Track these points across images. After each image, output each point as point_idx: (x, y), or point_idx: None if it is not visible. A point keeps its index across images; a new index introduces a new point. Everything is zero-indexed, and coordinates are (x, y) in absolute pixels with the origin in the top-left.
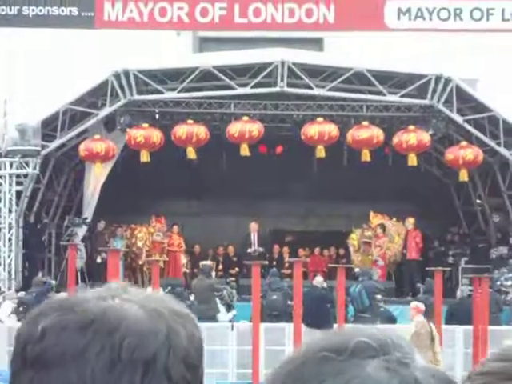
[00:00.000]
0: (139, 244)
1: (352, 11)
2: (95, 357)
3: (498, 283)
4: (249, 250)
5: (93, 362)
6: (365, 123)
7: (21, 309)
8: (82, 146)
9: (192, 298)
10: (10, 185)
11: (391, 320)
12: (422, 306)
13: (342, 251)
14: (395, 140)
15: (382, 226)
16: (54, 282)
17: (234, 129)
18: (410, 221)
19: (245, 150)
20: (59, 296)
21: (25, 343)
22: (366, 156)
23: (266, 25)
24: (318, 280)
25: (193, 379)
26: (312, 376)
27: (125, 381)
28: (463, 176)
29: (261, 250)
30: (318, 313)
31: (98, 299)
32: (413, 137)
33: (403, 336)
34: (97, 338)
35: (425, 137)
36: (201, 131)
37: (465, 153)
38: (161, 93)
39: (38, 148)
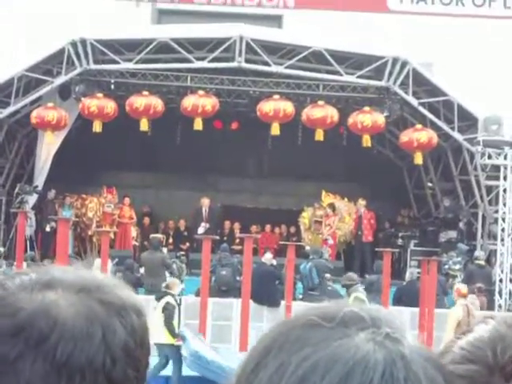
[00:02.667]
0: (90, 214)
1: None
2: (28, 367)
3: (446, 267)
4: (200, 223)
5: (26, 372)
6: (320, 102)
7: None
8: (33, 114)
9: (142, 270)
10: None
11: (339, 298)
12: (463, 289)
13: (292, 229)
14: (350, 120)
15: (332, 206)
16: (2, 249)
17: (188, 102)
18: (361, 202)
19: (198, 125)
20: None
21: None
22: (319, 135)
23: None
24: (267, 257)
25: (137, 373)
26: (297, 340)
27: None
28: (418, 159)
29: (207, 226)
30: (266, 289)
31: (29, 291)
32: (368, 118)
33: (396, 314)
34: (28, 348)
35: (379, 118)
36: (158, 103)
37: (419, 135)
38: (117, 63)
39: None
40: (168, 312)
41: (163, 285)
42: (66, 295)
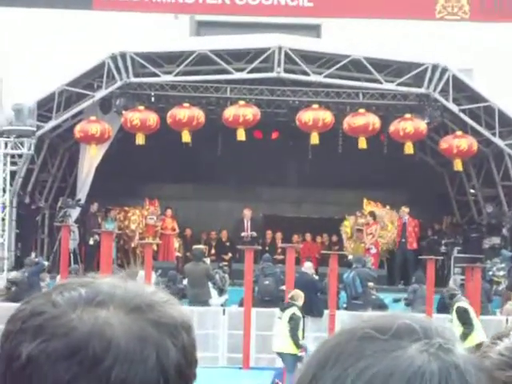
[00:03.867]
0: (132, 227)
1: None
2: None
3: (490, 273)
4: (242, 234)
5: None
6: (361, 110)
7: (13, 289)
8: (77, 128)
9: (185, 282)
10: (5, 165)
11: (383, 308)
12: None
13: (334, 238)
14: (392, 128)
15: (373, 214)
16: (46, 263)
17: (229, 113)
18: (405, 210)
19: (241, 135)
20: (37, 304)
21: (7, 364)
22: (362, 143)
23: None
24: (308, 266)
25: None
26: (353, 352)
27: None
28: (457, 165)
29: (254, 234)
30: (308, 300)
31: (80, 310)
32: (410, 125)
33: (446, 325)
34: (83, 370)
35: (421, 125)
36: (200, 115)
37: (459, 142)
38: (157, 76)
39: (33, 128)
40: (294, 323)
41: (289, 296)
42: (117, 314)
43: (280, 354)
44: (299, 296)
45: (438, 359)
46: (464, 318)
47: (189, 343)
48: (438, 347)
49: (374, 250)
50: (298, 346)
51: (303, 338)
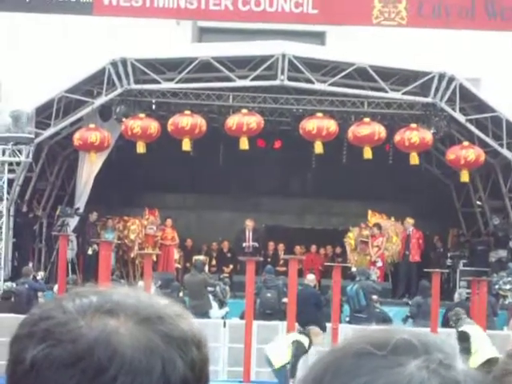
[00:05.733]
0: (132, 237)
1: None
2: None
3: (497, 287)
4: (243, 245)
5: None
6: (366, 120)
7: (13, 299)
8: (76, 135)
9: (181, 293)
10: (2, 172)
11: (387, 321)
12: None
13: (338, 250)
14: (397, 138)
15: (378, 226)
16: (42, 273)
17: (232, 121)
18: (410, 221)
19: (244, 144)
20: (47, 310)
21: (12, 368)
22: (367, 153)
23: (267, 15)
24: (310, 278)
25: None
26: (350, 369)
27: None
28: (464, 177)
29: (256, 245)
30: (311, 313)
31: (88, 318)
32: (415, 135)
33: (445, 338)
34: (86, 379)
35: (427, 135)
36: (203, 123)
37: (466, 153)
38: (158, 83)
39: (32, 136)
40: (296, 351)
41: (306, 329)
42: (127, 324)
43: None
44: (316, 333)
45: (438, 376)
46: (462, 343)
47: (199, 358)
48: (438, 363)
49: (379, 263)
50: (292, 374)
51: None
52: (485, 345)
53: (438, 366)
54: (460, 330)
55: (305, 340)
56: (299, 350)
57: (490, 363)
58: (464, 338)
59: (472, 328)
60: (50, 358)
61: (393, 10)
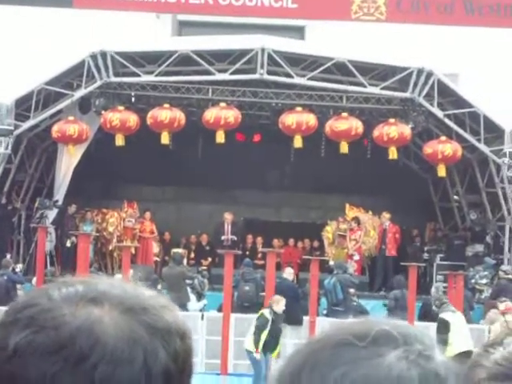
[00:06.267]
0: (110, 229)
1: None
2: None
3: (473, 281)
4: (222, 238)
5: None
6: (344, 114)
7: None
8: (54, 128)
9: (159, 286)
10: None
11: (364, 314)
12: (501, 306)
13: (316, 243)
14: (376, 133)
15: (357, 220)
16: (20, 266)
17: (210, 115)
18: (386, 216)
19: (220, 137)
20: (33, 297)
21: None
22: (344, 148)
23: (247, 9)
24: (288, 272)
25: None
26: (330, 359)
27: None
28: (441, 171)
29: (234, 238)
30: (288, 307)
31: (72, 306)
32: (394, 130)
33: (425, 330)
34: (67, 366)
35: (406, 130)
36: (182, 116)
37: (444, 147)
38: (138, 76)
39: (11, 128)
40: (259, 322)
41: (262, 298)
42: (111, 313)
43: (246, 351)
44: (276, 300)
45: (418, 366)
46: (441, 330)
47: (182, 349)
48: (417, 354)
49: (357, 257)
50: (255, 344)
51: (271, 342)
52: (462, 336)
53: (417, 356)
54: (441, 316)
55: (266, 311)
56: (262, 321)
57: (464, 355)
58: (443, 326)
59: (453, 316)
60: (32, 344)
61: (372, 5)
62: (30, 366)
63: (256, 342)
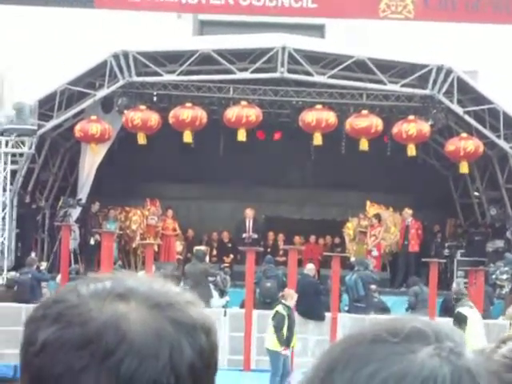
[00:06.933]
0: (133, 227)
1: None
2: (91, 381)
3: (494, 277)
4: (243, 236)
5: None
6: (364, 112)
7: (14, 288)
8: (77, 127)
9: (182, 283)
10: (5, 163)
11: (385, 310)
12: None
13: (337, 240)
14: (395, 130)
15: (378, 216)
16: (45, 264)
17: (231, 113)
18: (408, 212)
19: (242, 135)
20: (62, 293)
21: (25, 349)
22: (364, 145)
23: (267, 9)
24: (310, 268)
25: None
26: (364, 355)
27: None
28: (463, 168)
29: (255, 236)
30: (310, 303)
31: (100, 302)
32: (413, 127)
33: (456, 328)
34: (94, 361)
35: (425, 127)
36: (203, 115)
37: (466, 144)
38: (159, 75)
39: (35, 127)
40: (276, 320)
41: (280, 294)
42: (138, 309)
43: (267, 351)
44: (289, 295)
45: (450, 363)
46: (458, 324)
47: (207, 346)
48: (449, 351)
49: (375, 253)
50: (280, 343)
51: (290, 337)
52: (476, 333)
53: (448, 353)
54: (458, 310)
55: (280, 308)
56: (279, 319)
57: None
58: (460, 320)
59: (470, 312)
60: (60, 339)
61: (400, 3)
62: (57, 360)
63: (281, 341)
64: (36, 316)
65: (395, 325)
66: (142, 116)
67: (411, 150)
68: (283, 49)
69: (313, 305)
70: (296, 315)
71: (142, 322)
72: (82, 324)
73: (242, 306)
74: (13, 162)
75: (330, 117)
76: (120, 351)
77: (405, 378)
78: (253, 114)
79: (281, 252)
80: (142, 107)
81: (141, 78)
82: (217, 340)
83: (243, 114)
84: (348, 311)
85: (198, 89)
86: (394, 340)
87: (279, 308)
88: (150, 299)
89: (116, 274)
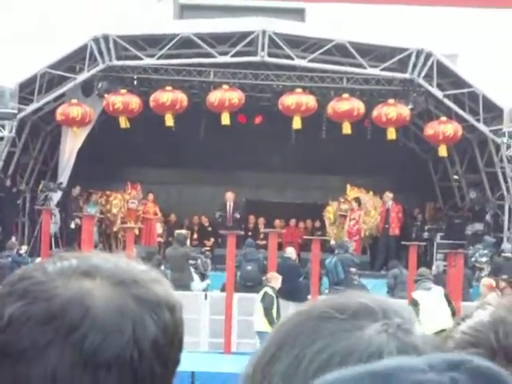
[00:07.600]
0: (114, 211)
1: None
2: (56, 356)
3: (473, 259)
4: (226, 215)
5: (53, 360)
6: (345, 95)
7: None
8: (58, 111)
9: (162, 267)
10: None
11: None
12: (493, 283)
13: (317, 223)
14: (375, 113)
15: (358, 200)
16: (25, 248)
17: (214, 97)
18: (389, 195)
19: (226, 119)
20: (28, 270)
21: None
22: (346, 128)
23: None
24: (290, 251)
25: (165, 369)
26: (311, 331)
27: (86, 381)
28: (442, 151)
29: (237, 216)
30: (291, 285)
31: (66, 279)
32: (392, 110)
33: (404, 305)
34: (58, 336)
35: (404, 111)
36: (184, 98)
37: (445, 128)
38: (140, 59)
39: (15, 111)
40: (266, 301)
41: (264, 278)
42: (102, 286)
43: (257, 333)
44: (274, 278)
45: (397, 340)
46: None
47: (171, 322)
48: (396, 327)
49: (356, 237)
50: (271, 324)
51: (278, 318)
52: (435, 315)
53: (396, 330)
54: (411, 294)
55: (268, 289)
56: (268, 301)
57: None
58: (413, 305)
59: (424, 294)
60: (26, 315)
61: None
62: (22, 335)
63: (271, 323)
64: (3, 293)
65: (343, 301)
66: (122, 100)
67: (391, 134)
68: (263, 32)
69: (295, 287)
70: None
71: (106, 298)
72: (48, 300)
73: (222, 290)
74: None
75: (310, 100)
76: (84, 326)
77: (351, 354)
78: (235, 97)
79: (261, 235)
80: (123, 91)
81: (121, 62)
82: (181, 318)
83: (226, 97)
84: (328, 294)
85: (178, 72)
86: (342, 317)
87: (268, 290)
88: (114, 276)
89: (83, 253)
